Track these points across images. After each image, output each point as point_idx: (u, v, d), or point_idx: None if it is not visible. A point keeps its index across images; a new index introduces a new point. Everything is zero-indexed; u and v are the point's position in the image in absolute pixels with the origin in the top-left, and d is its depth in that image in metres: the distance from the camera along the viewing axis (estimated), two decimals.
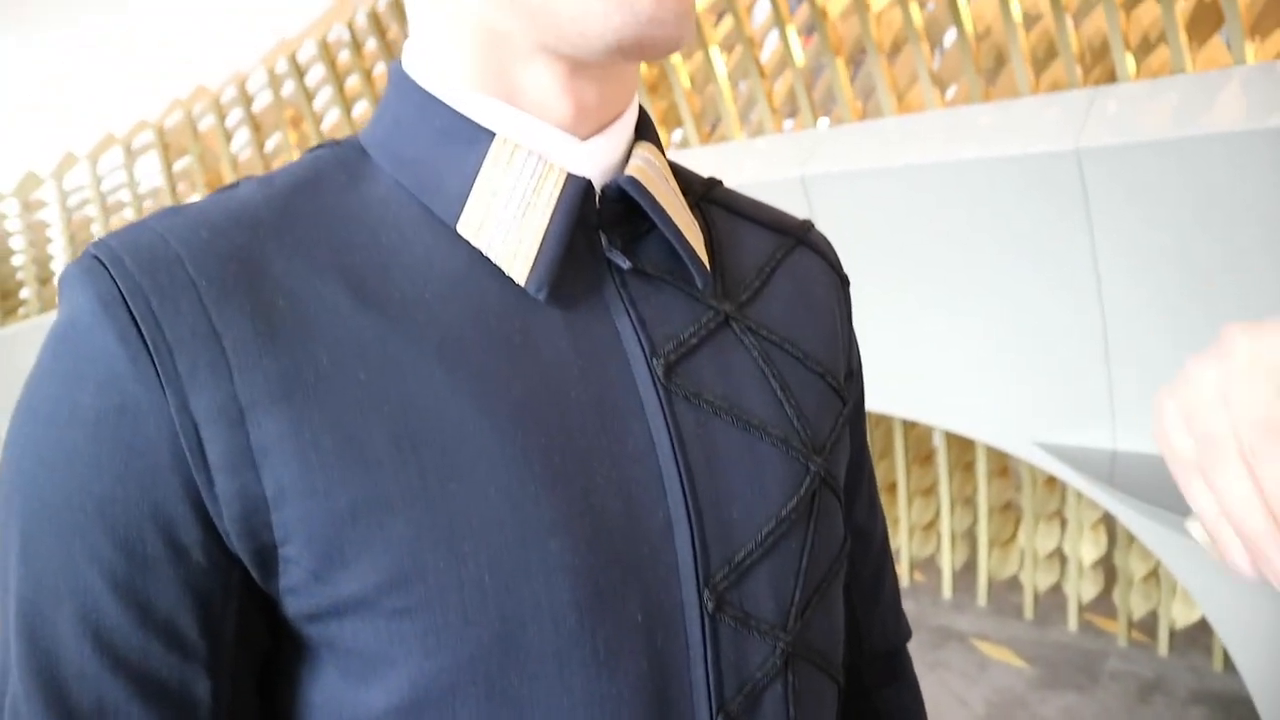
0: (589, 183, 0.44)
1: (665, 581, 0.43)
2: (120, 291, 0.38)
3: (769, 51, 2.51)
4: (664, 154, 0.49)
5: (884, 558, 0.64)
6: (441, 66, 0.44)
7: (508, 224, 0.43)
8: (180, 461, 0.38)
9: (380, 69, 3.17)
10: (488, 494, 0.40)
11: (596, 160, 0.45)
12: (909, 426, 2.89)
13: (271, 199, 0.43)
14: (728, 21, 2.50)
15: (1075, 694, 2.40)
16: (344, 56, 3.22)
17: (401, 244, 0.43)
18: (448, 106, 0.44)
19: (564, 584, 0.40)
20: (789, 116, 2.57)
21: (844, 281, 0.59)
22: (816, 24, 2.33)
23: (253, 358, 0.38)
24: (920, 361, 2.26)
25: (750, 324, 0.49)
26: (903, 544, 2.97)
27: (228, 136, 3.57)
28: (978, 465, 2.75)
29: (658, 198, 0.45)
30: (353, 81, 3.26)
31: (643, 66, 2.74)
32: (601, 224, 0.46)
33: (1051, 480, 2.65)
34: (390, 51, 3.07)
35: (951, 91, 2.23)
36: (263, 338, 0.39)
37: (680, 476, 0.44)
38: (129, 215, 3.83)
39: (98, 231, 3.86)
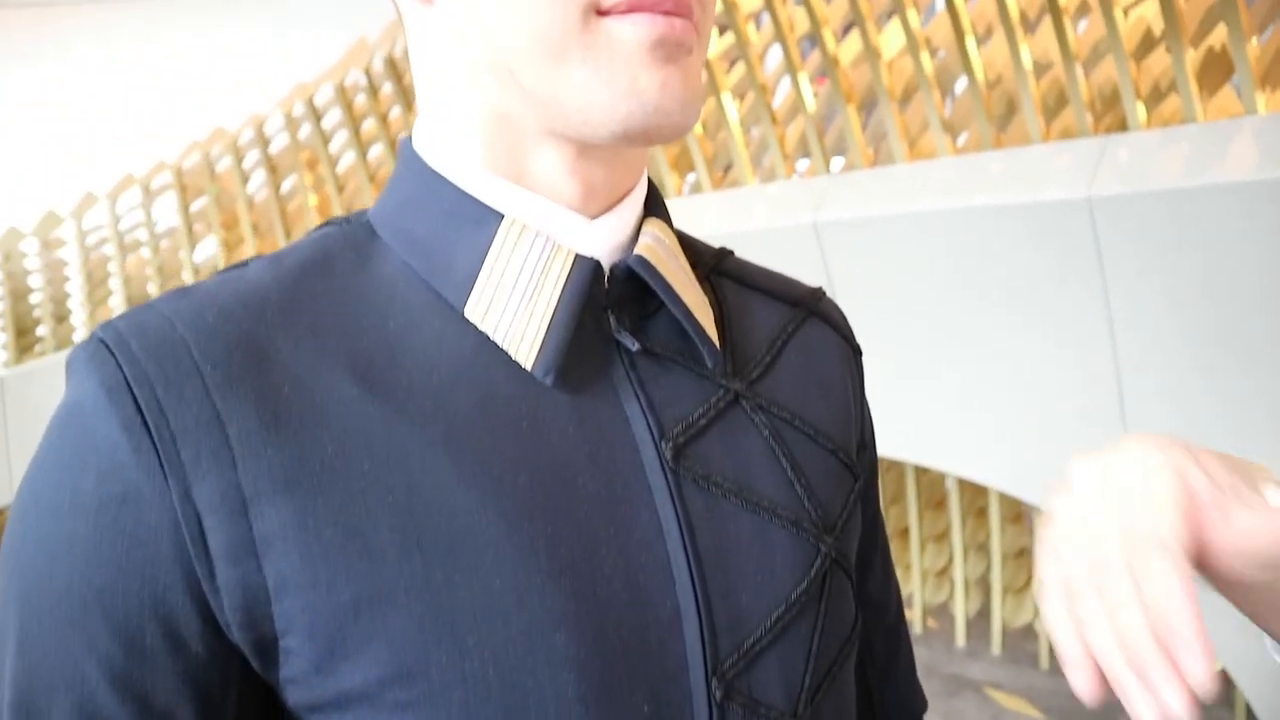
0: (597, 263, 0.44)
1: (672, 672, 0.42)
2: (125, 378, 0.38)
3: (781, 97, 2.54)
4: (673, 229, 0.49)
5: (898, 630, 0.63)
6: (450, 147, 0.45)
7: (515, 307, 0.43)
8: (182, 551, 0.38)
9: (396, 112, 3.22)
10: (493, 586, 0.39)
11: (605, 239, 0.45)
12: (921, 472, 2.86)
13: (280, 280, 0.43)
14: (740, 68, 2.53)
15: None
16: (360, 100, 3.26)
17: (409, 328, 0.43)
18: (456, 187, 0.44)
19: (570, 678, 0.40)
20: (801, 160, 2.59)
21: (856, 351, 0.59)
22: (828, 71, 2.36)
23: (257, 446, 0.38)
24: (932, 407, 2.25)
25: (761, 401, 0.49)
26: (915, 590, 2.94)
27: (244, 178, 3.62)
28: (991, 511, 2.72)
29: (667, 276, 0.45)
30: (369, 125, 3.30)
31: None
32: (610, 304, 0.45)
33: None
34: (406, 96, 3.11)
35: (963, 139, 2.24)
36: (267, 426, 0.39)
37: (689, 564, 0.43)
38: (146, 255, 3.87)
39: (115, 270, 3.89)
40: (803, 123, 2.45)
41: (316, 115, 3.35)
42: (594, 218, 0.45)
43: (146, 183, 3.78)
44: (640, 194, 0.48)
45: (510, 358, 0.43)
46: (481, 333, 0.43)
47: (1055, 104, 2.06)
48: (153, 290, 3.81)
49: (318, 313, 0.42)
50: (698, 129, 2.67)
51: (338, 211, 3.42)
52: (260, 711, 0.42)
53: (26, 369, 3.85)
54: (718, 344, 0.48)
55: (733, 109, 2.57)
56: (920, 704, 0.65)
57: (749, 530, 0.45)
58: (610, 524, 0.42)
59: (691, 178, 2.81)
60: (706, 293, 0.51)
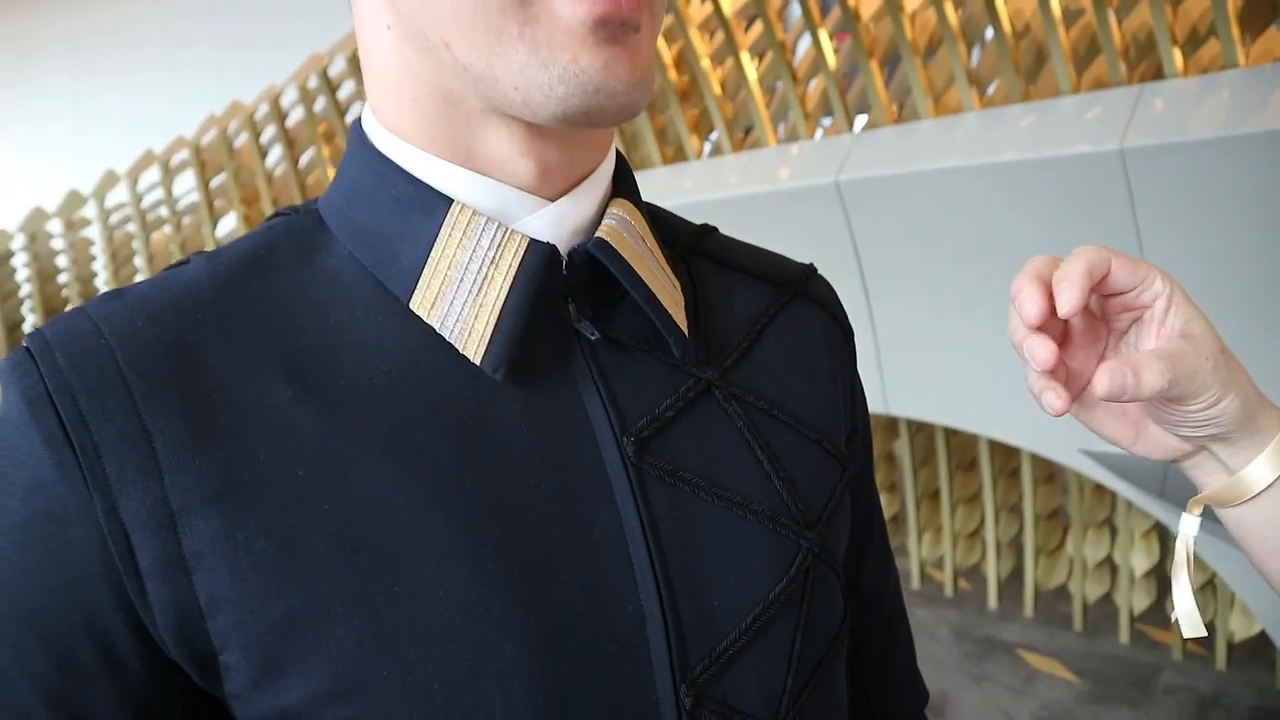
0: (553, 248, 0.41)
1: (637, 679, 0.40)
2: (48, 390, 0.36)
3: (801, 56, 2.48)
4: (641, 210, 0.46)
5: (896, 620, 0.60)
6: (397, 128, 0.41)
7: (463, 298, 0.40)
8: (110, 569, 0.36)
9: None
10: (436, 597, 0.37)
11: (564, 223, 0.42)
12: (951, 433, 2.83)
13: (216, 279, 0.41)
14: (758, 26, 2.47)
15: (1128, 709, 2.33)
16: None
17: (351, 324, 0.40)
18: (404, 172, 0.41)
19: (521, 690, 0.38)
20: (823, 119, 2.53)
21: (847, 332, 0.55)
22: (849, 26, 2.29)
23: (185, 458, 0.36)
24: (960, 369, 2.21)
25: (735, 390, 0.46)
26: (946, 552, 2.92)
27: (262, 153, 3.61)
28: (1023, 472, 2.68)
29: (629, 260, 0.42)
30: None
31: (673, 73, 2.71)
32: (570, 292, 0.42)
33: (1100, 487, 2.57)
34: None
35: (990, 91, 2.17)
36: (196, 436, 0.37)
37: (653, 565, 0.41)
38: (169, 231, 3.88)
39: (139, 248, 3.91)
40: (824, 81, 2.39)
41: (331, 87, 3.33)
42: (553, 199, 0.42)
43: (166, 160, 3.78)
44: (606, 172, 0.44)
45: (459, 353, 0.40)
46: (429, 327, 0.40)
47: (1086, 53, 1.99)
48: None
49: (253, 312, 0.40)
50: (716, 90, 2.61)
51: None
52: None
53: None
54: (685, 330, 0.45)
55: (751, 69, 2.51)
56: (921, 697, 0.63)
57: (721, 528, 0.43)
58: (566, 526, 0.40)
59: (712, 140, 2.76)
60: (681, 275, 0.49)
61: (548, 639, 0.38)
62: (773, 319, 0.50)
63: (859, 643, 0.58)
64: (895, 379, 2.39)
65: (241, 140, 3.68)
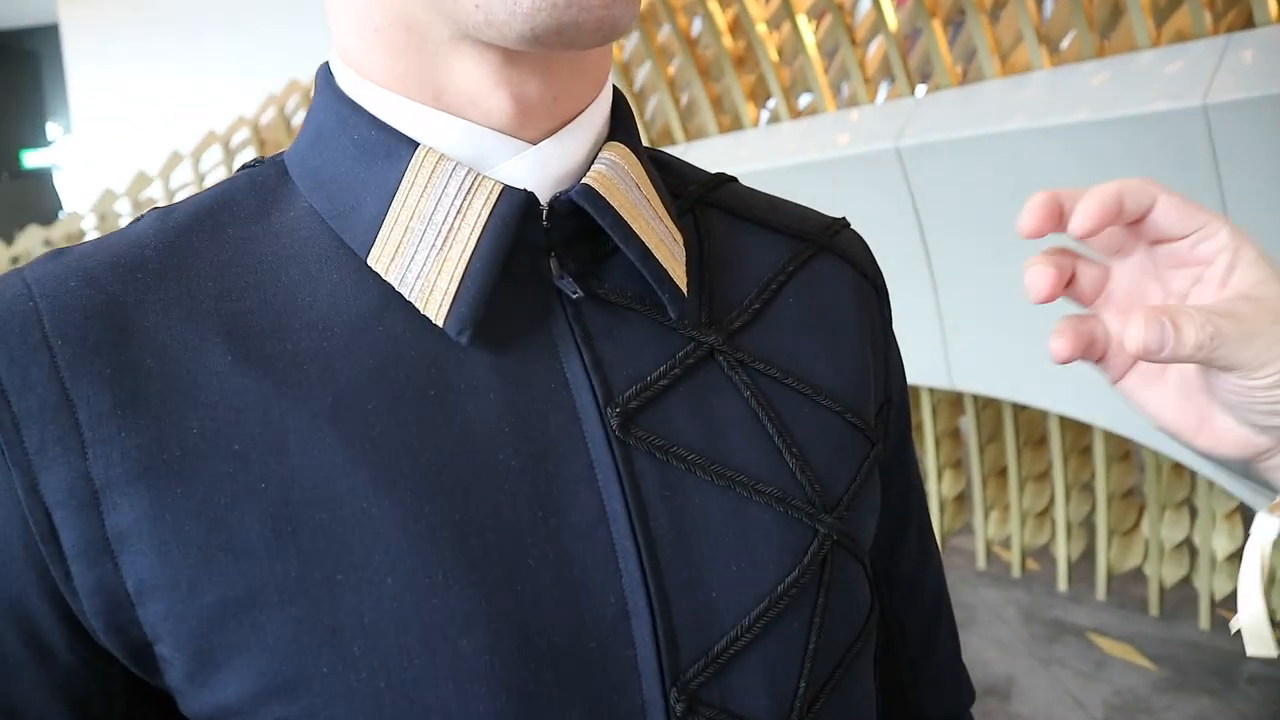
0: (528, 196, 0.36)
1: (618, 681, 0.36)
2: None
3: (861, 17, 2.39)
4: (640, 155, 0.41)
5: (938, 611, 0.55)
6: (362, 67, 0.37)
7: (426, 252, 0.36)
8: (33, 551, 0.33)
9: None
10: (383, 586, 0.34)
11: (546, 169, 0.37)
12: (1019, 409, 2.73)
13: (163, 235, 0.37)
14: None
15: (1208, 699, 2.22)
16: None
17: (304, 283, 0.37)
18: (369, 115, 0.37)
19: (479, 691, 0.34)
20: (883, 83, 2.44)
21: (880, 291, 0.50)
22: None
23: (110, 431, 0.33)
24: (1029, 342, 2.12)
25: (742, 356, 0.41)
26: (1014, 532, 2.83)
27: None
28: (1095, 450, 2.58)
29: (621, 210, 0.37)
30: None
31: (728, 39, 2.64)
32: (553, 245, 0.38)
33: (1179, 465, 2.46)
34: None
35: (1062, 47, 2.06)
36: (124, 407, 0.34)
37: (639, 552, 0.36)
38: None
39: None
40: (884, 43, 2.30)
41: None
42: (535, 143, 0.37)
43: (226, 140, 3.85)
44: (598, 112, 0.39)
45: (421, 314, 0.36)
46: (388, 286, 0.37)
47: (1167, 4, 1.87)
48: None
49: (196, 271, 0.36)
50: (773, 55, 2.53)
51: None
52: None
53: None
54: (684, 288, 0.40)
55: (809, 32, 2.43)
56: (966, 695, 0.57)
57: (722, 511, 0.38)
58: (539, 508, 0.36)
59: (769, 107, 2.69)
60: (687, 228, 0.44)
61: (513, 635, 0.34)
62: (791, 276, 0.45)
63: (895, 637, 0.53)
64: (961, 353, 2.31)
65: (299, 119, 3.72)
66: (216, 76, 6.33)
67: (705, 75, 2.78)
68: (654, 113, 3.02)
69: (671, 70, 2.88)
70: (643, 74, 2.99)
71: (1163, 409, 0.40)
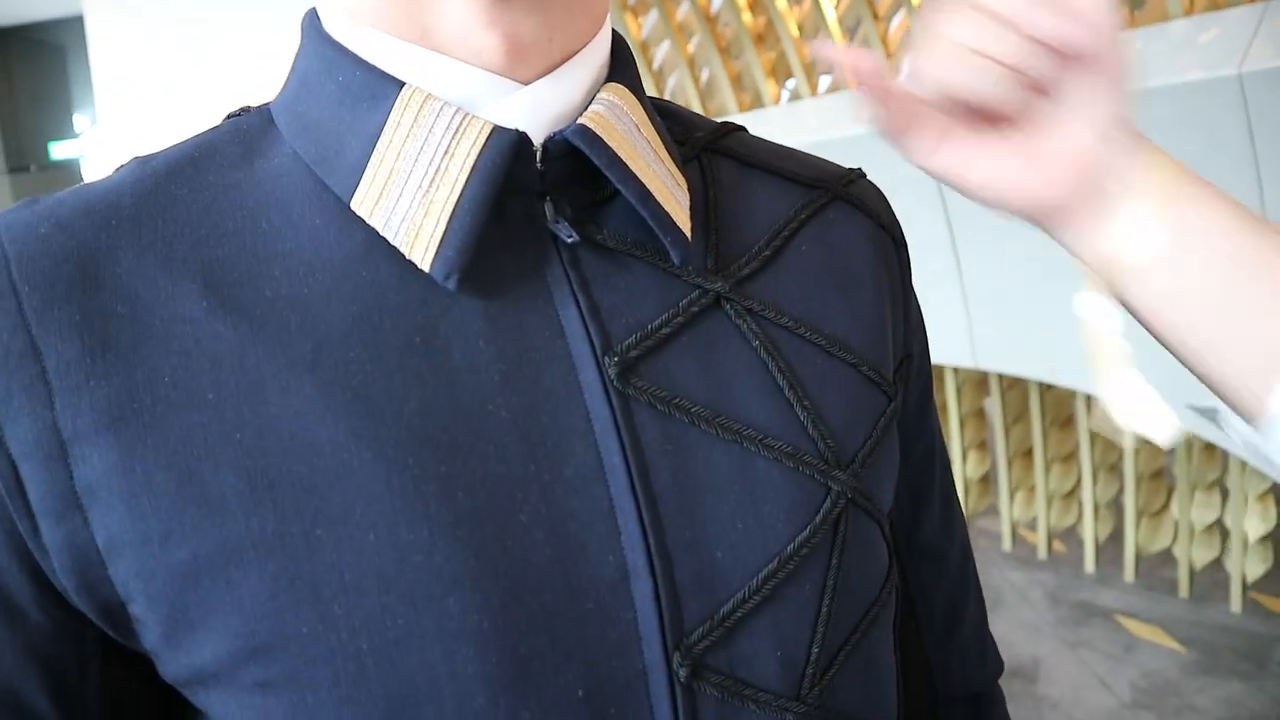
0: (519, 136, 0.34)
1: (616, 645, 0.34)
2: None
3: None
4: (641, 98, 0.40)
5: (963, 581, 0.53)
6: (348, 5, 0.36)
7: (411, 195, 0.34)
8: (0, 505, 0.32)
9: None
10: (365, 542, 0.32)
11: (541, 110, 0.36)
12: (1046, 388, 2.69)
13: (141, 183, 0.36)
14: None
15: (1239, 682, 2.18)
16: None
17: (286, 228, 0.35)
18: (355, 56, 0.36)
19: (467, 653, 0.32)
20: (906, 60, 2.40)
21: (898, 243, 0.48)
22: None
23: (78, 380, 0.32)
24: (1056, 320, 2.08)
25: (752, 304, 0.39)
26: (1040, 513, 2.79)
27: None
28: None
29: (619, 151, 0.36)
30: None
31: (748, 16, 2.61)
32: (548, 188, 0.36)
33: (1211, 446, 2.41)
34: None
35: None
36: (93, 354, 0.32)
37: (638, 509, 0.35)
38: None
39: None
40: (907, 18, 2.26)
41: None
42: (529, 82, 0.36)
43: None
44: (596, 53, 0.38)
45: (407, 260, 0.35)
46: (372, 231, 0.35)
47: None
48: None
49: (173, 218, 0.35)
50: (794, 32, 2.50)
51: None
52: (142, 696, 0.36)
53: None
54: (688, 233, 0.38)
55: (830, 8, 2.39)
56: (994, 666, 0.55)
57: (728, 467, 0.36)
58: (531, 461, 0.34)
59: (790, 86, 2.65)
60: (693, 174, 0.42)
61: (503, 594, 0.33)
62: (804, 224, 0.43)
63: (919, 608, 0.51)
64: (985, 331, 2.27)
65: None
66: (241, 67, 6.35)
67: (725, 53, 2.75)
68: (673, 91, 2.99)
69: (691, 48, 2.85)
70: (662, 52, 2.96)
71: (985, 166, 0.41)
